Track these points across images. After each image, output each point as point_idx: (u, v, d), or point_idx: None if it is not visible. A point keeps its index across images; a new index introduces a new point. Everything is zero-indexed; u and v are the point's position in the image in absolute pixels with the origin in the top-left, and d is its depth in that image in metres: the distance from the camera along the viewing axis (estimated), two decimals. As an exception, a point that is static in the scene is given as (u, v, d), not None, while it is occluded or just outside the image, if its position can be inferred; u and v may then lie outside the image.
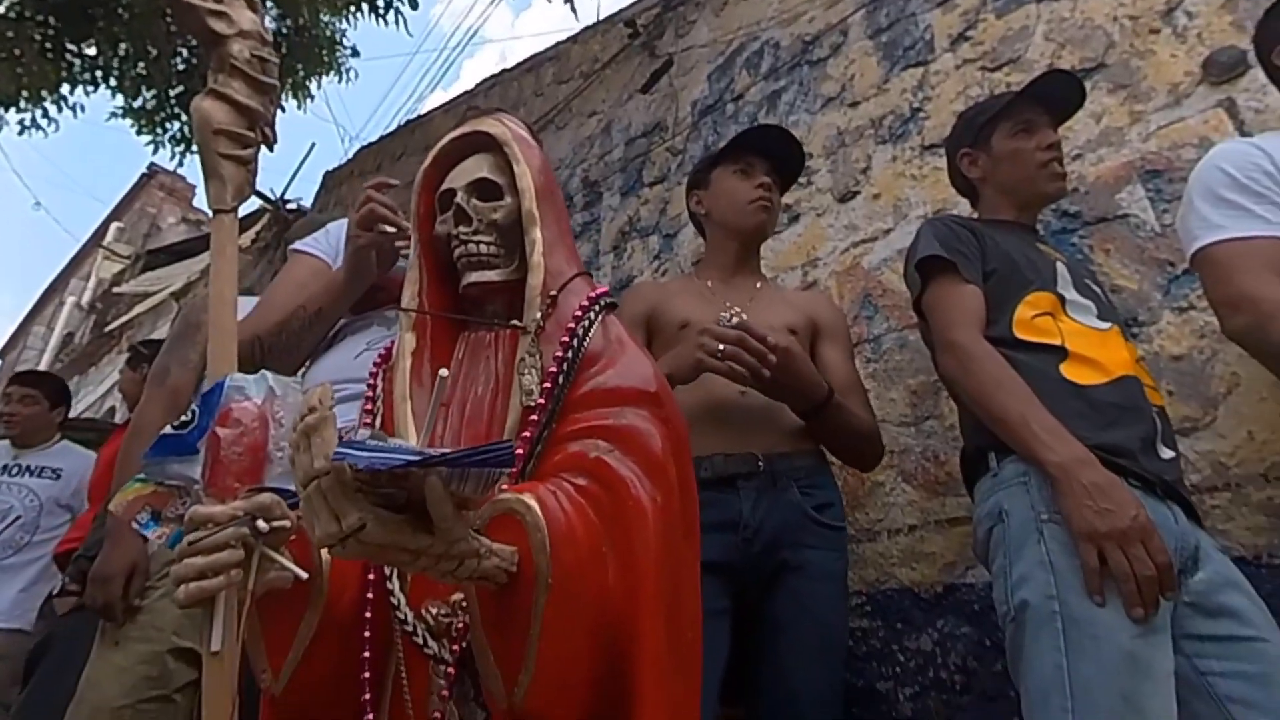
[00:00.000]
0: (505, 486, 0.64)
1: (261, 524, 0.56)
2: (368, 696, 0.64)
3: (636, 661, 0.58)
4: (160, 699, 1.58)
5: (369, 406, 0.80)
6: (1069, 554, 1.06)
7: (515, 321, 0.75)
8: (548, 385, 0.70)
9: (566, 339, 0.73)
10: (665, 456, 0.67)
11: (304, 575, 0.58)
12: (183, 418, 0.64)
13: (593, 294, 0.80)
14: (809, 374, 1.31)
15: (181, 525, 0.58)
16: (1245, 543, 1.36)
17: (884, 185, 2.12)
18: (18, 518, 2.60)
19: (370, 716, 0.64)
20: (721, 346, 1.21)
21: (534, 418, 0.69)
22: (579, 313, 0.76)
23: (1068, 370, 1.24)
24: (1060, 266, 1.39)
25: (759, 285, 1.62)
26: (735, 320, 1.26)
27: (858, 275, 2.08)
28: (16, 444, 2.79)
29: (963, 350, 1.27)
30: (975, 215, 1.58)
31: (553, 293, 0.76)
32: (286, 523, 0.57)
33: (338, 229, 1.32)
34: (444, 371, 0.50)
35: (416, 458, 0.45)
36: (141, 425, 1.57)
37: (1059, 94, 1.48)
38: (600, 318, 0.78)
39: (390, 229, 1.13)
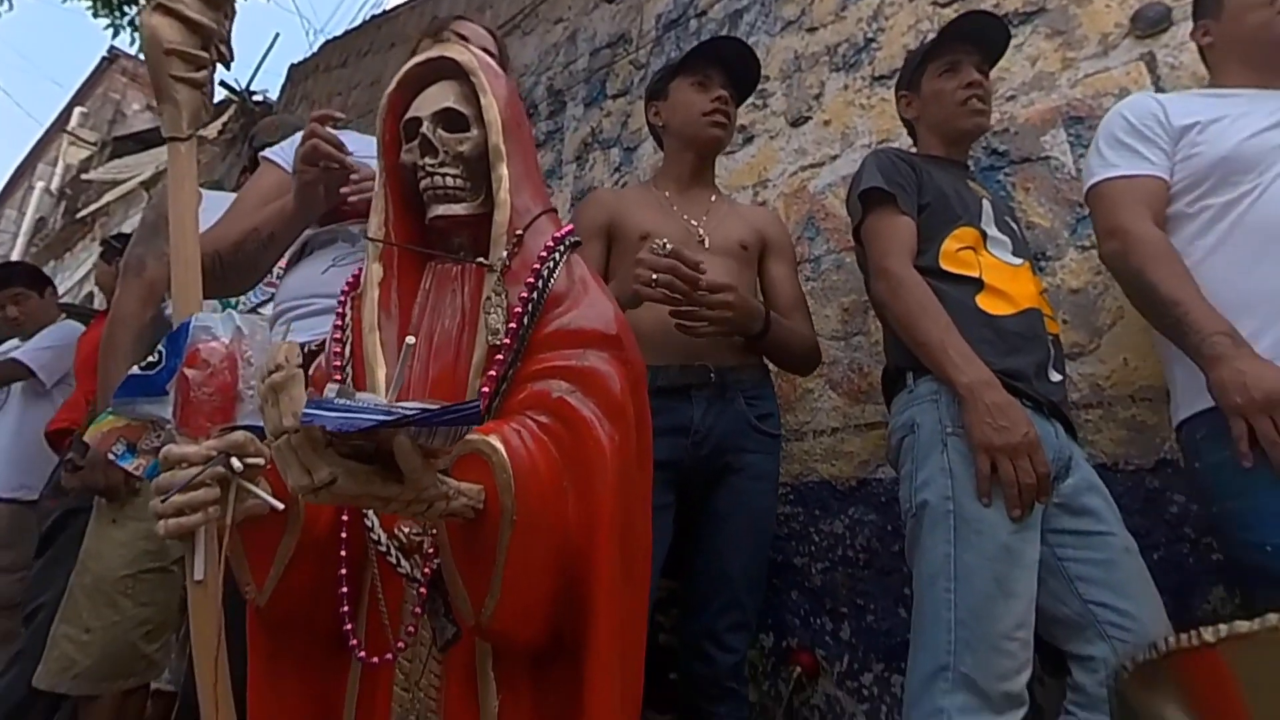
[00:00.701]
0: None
1: (236, 463, 0.54)
2: (346, 609, 0.64)
3: (592, 586, 0.59)
4: (159, 570, 1.61)
5: (338, 335, 0.77)
6: (966, 463, 1.13)
7: (481, 260, 0.72)
8: (513, 325, 0.68)
9: (532, 280, 0.70)
10: (624, 397, 0.66)
11: (280, 506, 0.57)
12: (150, 358, 0.59)
13: (558, 234, 0.77)
14: (745, 316, 1.32)
15: (157, 458, 0.56)
16: (1108, 452, 1.47)
17: (834, 112, 2.07)
18: None
19: (350, 627, 0.63)
20: (655, 275, 1.19)
21: (499, 356, 0.67)
22: (544, 253, 0.73)
23: (982, 301, 1.28)
24: (986, 204, 1.42)
25: (714, 198, 1.58)
26: (669, 249, 1.22)
27: (804, 198, 2.07)
28: (27, 339, 2.67)
29: (894, 277, 1.30)
30: (915, 151, 1.58)
31: (519, 231, 0.73)
32: (260, 460, 0.55)
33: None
34: (410, 339, 0.48)
35: (385, 418, 0.42)
36: (120, 315, 1.52)
37: (983, 34, 1.45)
38: (565, 258, 0.75)
39: (334, 165, 1.05)
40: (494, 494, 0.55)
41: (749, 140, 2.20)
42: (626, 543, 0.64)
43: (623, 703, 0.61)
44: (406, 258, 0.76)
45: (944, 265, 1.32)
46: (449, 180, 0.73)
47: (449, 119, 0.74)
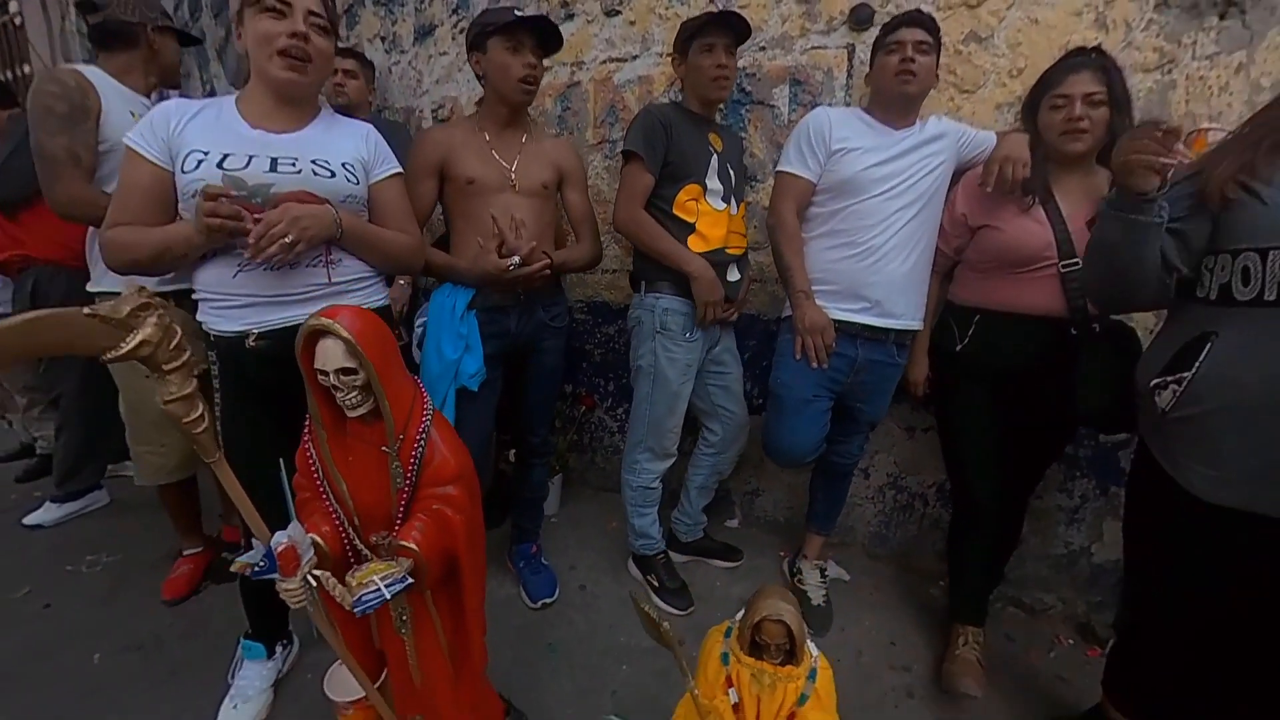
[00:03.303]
0: (401, 529, 0.87)
1: (310, 578, 0.80)
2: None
3: (460, 561, 0.90)
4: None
5: (311, 466, 0.92)
6: (663, 348, 1.60)
7: (385, 449, 0.88)
8: (408, 480, 0.88)
9: (414, 456, 0.87)
10: (464, 497, 0.91)
11: (329, 588, 0.81)
12: (261, 563, 0.78)
13: (423, 418, 0.89)
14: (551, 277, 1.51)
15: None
16: (756, 310, 1.99)
17: (639, 14, 1.96)
18: None
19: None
20: (510, 266, 1.36)
21: (404, 491, 0.88)
22: (419, 436, 0.88)
23: (690, 241, 1.56)
24: (714, 158, 1.58)
25: (524, 139, 1.53)
26: (515, 266, 1.37)
27: (609, 88, 2.05)
28: None
29: (629, 217, 1.55)
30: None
31: (400, 432, 0.87)
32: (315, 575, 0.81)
33: (161, 119, 1.07)
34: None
35: (386, 595, 0.75)
36: (88, 198, 1.41)
37: (736, 25, 1.49)
38: (427, 434, 0.89)
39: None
40: (418, 563, 0.83)
41: (570, 17, 2.02)
42: (473, 547, 0.93)
43: (475, 590, 0.97)
44: (338, 423, 0.91)
45: (675, 211, 1.55)
46: (352, 398, 0.83)
47: (344, 369, 0.82)
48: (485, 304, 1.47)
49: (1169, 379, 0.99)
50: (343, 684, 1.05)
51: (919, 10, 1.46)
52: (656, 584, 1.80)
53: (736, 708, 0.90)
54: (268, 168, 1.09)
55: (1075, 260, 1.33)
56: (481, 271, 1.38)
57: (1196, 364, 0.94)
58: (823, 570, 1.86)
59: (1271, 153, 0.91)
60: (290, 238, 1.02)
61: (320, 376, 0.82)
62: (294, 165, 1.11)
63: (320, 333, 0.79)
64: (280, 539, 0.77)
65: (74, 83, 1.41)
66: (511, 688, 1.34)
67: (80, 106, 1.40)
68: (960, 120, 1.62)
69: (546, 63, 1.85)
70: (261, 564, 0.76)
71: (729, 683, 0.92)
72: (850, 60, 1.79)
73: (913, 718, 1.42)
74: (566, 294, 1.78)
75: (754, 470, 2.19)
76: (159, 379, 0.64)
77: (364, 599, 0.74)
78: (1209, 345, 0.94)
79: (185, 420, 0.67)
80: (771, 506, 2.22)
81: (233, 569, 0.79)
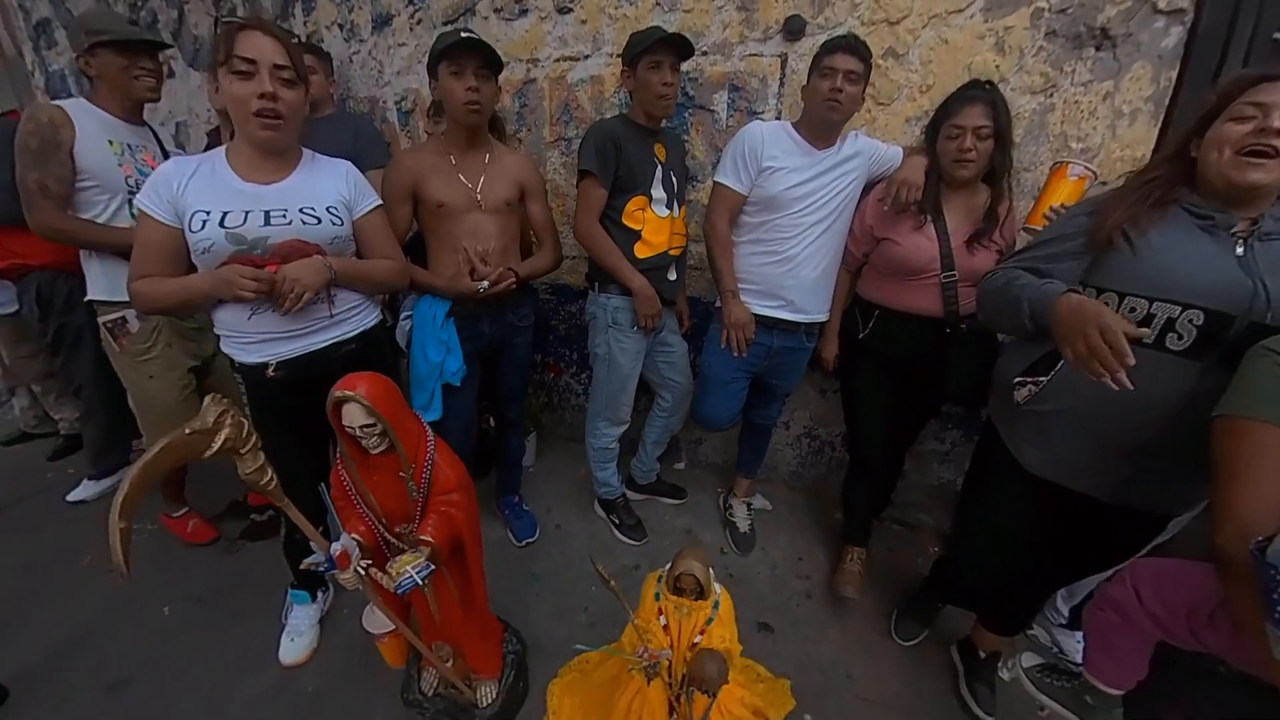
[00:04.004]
0: (417, 524, 1.10)
1: (360, 570, 1.03)
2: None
3: (465, 542, 1.15)
4: (193, 391, 1.77)
5: (346, 485, 1.11)
6: (616, 341, 1.76)
7: (402, 474, 1.07)
8: (419, 493, 1.08)
9: (424, 477, 1.08)
10: (463, 498, 1.13)
11: (363, 573, 1.03)
12: (324, 564, 1.01)
13: (428, 448, 1.09)
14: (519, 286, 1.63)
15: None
16: (697, 293, 2.16)
17: (590, 13, 1.95)
18: None
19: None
20: (482, 289, 1.52)
21: (418, 500, 1.09)
22: (427, 462, 1.09)
23: (637, 247, 1.67)
24: (659, 170, 1.65)
25: (487, 159, 1.57)
26: (484, 289, 1.52)
27: (563, 86, 2.07)
28: None
29: (586, 231, 1.65)
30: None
31: (412, 462, 1.06)
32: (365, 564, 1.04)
33: (164, 181, 1.15)
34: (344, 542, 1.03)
35: (418, 580, 0.99)
36: (69, 229, 1.53)
37: (682, 45, 1.53)
38: (432, 459, 1.09)
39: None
40: (434, 549, 1.04)
41: (524, 13, 1.99)
42: (472, 528, 1.18)
43: (476, 556, 1.23)
44: (363, 456, 1.09)
45: (624, 220, 1.65)
46: (373, 442, 1.02)
47: (365, 425, 0.99)
48: (461, 313, 1.62)
49: (1028, 380, 1.16)
50: (377, 620, 1.29)
51: (856, 37, 1.50)
52: (617, 522, 2.13)
53: (665, 628, 1.23)
54: (263, 222, 1.19)
55: (953, 273, 1.54)
56: (457, 291, 1.54)
57: (1051, 373, 1.11)
58: (749, 504, 2.23)
59: (1153, 209, 1.02)
60: (295, 292, 1.18)
61: (348, 428, 1.02)
62: (285, 217, 1.21)
63: (344, 399, 0.99)
64: (337, 547, 1.01)
65: (47, 119, 1.44)
66: (506, 612, 1.66)
67: (51, 141, 1.45)
68: (875, 131, 1.76)
69: (503, 58, 1.88)
70: (326, 564, 1.01)
71: (660, 612, 1.24)
72: (783, 69, 1.86)
73: (809, 614, 1.82)
74: (535, 288, 1.92)
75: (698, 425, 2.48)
76: (238, 459, 0.85)
77: (402, 584, 1.00)
78: (1062, 362, 1.08)
79: (260, 483, 0.88)
80: (711, 452, 2.55)
81: (302, 567, 1.02)
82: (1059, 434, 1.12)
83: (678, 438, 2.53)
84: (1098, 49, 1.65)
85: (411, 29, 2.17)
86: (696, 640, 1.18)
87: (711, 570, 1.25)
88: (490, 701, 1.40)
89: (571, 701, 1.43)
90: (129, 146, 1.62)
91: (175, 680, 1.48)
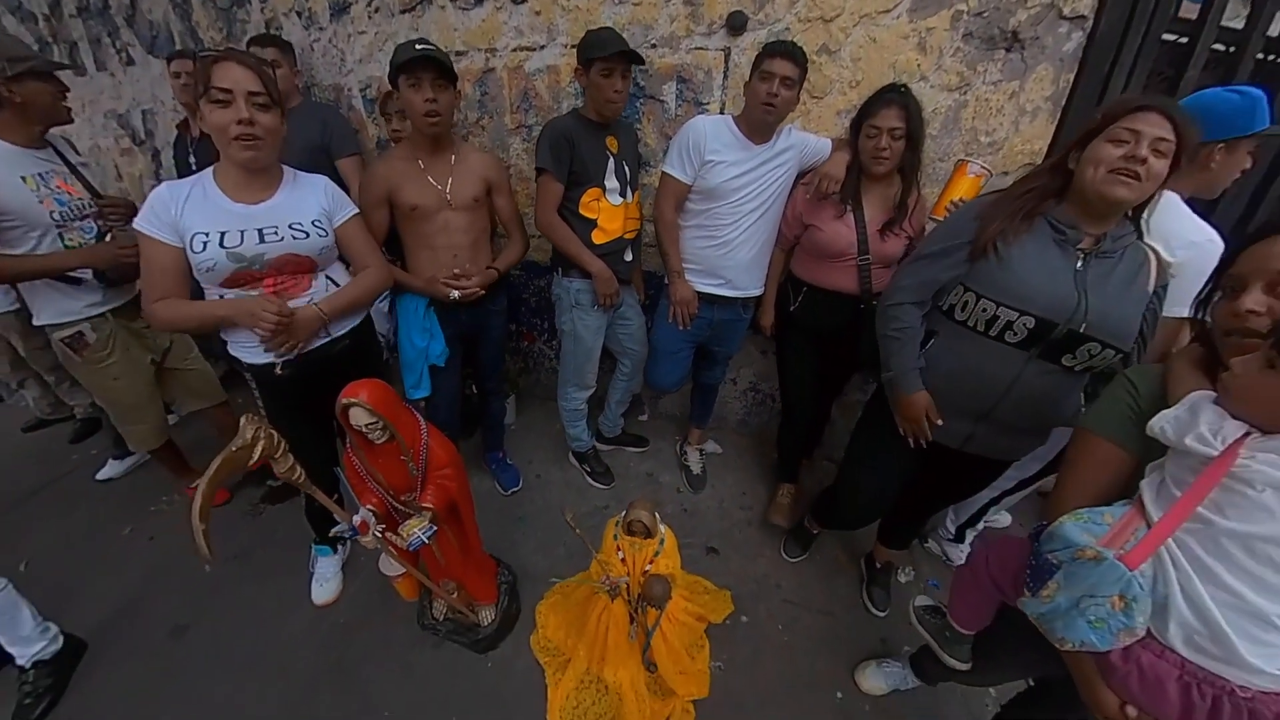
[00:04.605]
0: (419, 494, 1.28)
1: (377, 536, 1.23)
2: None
3: (458, 502, 1.35)
4: (151, 385, 1.85)
5: (357, 468, 1.28)
6: (577, 319, 1.91)
7: (404, 458, 1.24)
8: (418, 470, 1.25)
9: (421, 459, 1.25)
10: (454, 470, 1.32)
11: (379, 538, 1.24)
12: (346, 531, 1.24)
13: (423, 436, 1.26)
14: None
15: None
16: (652, 268, 2.23)
17: (544, 4, 1.93)
18: None
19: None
20: (453, 297, 1.65)
21: (418, 477, 1.25)
22: (422, 448, 1.26)
23: (594, 234, 1.77)
24: (611, 161, 1.70)
25: (453, 158, 1.62)
26: (456, 296, 1.65)
27: (521, 75, 2.07)
28: None
29: (546, 222, 1.74)
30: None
31: (411, 446, 1.24)
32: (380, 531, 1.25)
33: (161, 205, 1.21)
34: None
35: (425, 539, 1.20)
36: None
37: (633, 56, 1.58)
38: (426, 445, 1.27)
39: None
40: (435, 513, 1.24)
41: (480, 2, 1.95)
42: (464, 492, 1.38)
43: (470, 513, 1.45)
44: (370, 445, 1.24)
45: (581, 211, 1.73)
46: (376, 435, 1.16)
47: (369, 423, 1.15)
48: (441, 304, 1.75)
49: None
50: (390, 565, 1.50)
51: (795, 44, 1.54)
52: (589, 470, 2.40)
53: (623, 561, 1.50)
54: (258, 240, 1.28)
55: (868, 256, 1.71)
56: (431, 293, 1.67)
57: (926, 348, 1.29)
58: (702, 450, 2.51)
59: (1021, 222, 1.12)
60: (292, 342, 1.34)
61: (355, 426, 1.20)
62: (276, 233, 1.30)
63: (350, 405, 1.17)
64: (357, 518, 1.22)
65: None
66: (498, 550, 1.93)
67: None
68: (809, 122, 1.85)
69: (462, 47, 1.91)
70: (350, 532, 1.22)
71: (618, 548, 1.51)
72: (727, 62, 1.90)
73: (749, 538, 2.15)
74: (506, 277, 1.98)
75: (659, 381, 2.70)
76: (274, 462, 1.03)
77: (412, 543, 1.22)
78: (933, 339, 1.28)
79: (293, 479, 1.08)
80: (670, 405, 2.81)
81: (331, 535, 1.24)
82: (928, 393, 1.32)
83: (640, 394, 2.77)
84: (1008, 50, 1.74)
85: (370, 16, 2.11)
86: (647, 569, 1.46)
87: (659, 515, 1.51)
88: (490, 621, 1.69)
89: (555, 618, 1.73)
90: (40, 177, 1.57)
91: (226, 624, 1.72)
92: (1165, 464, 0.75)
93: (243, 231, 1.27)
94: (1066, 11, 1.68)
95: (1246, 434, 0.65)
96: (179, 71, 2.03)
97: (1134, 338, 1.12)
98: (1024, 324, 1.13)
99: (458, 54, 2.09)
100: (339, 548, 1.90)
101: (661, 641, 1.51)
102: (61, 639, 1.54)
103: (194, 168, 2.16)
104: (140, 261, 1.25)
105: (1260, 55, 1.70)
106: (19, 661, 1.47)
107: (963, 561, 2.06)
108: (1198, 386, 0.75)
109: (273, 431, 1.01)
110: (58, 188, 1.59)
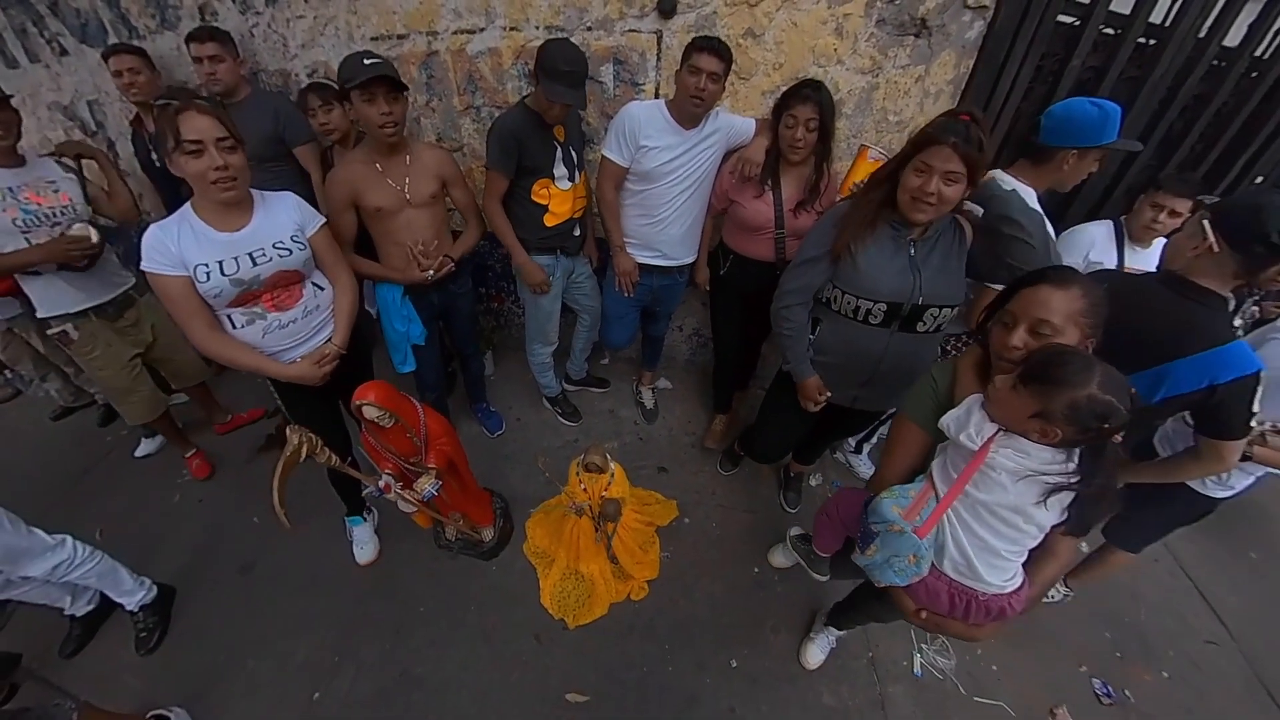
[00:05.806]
0: (424, 458, 1.56)
1: (408, 500, 1.61)
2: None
3: (457, 463, 1.68)
4: (137, 354, 1.99)
5: (373, 445, 1.54)
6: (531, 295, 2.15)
7: (409, 434, 1.50)
8: (421, 442, 1.51)
9: (421, 434, 1.50)
10: (448, 438, 1.58)
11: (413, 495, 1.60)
12: (373, 493, 1.52)
13: (421, 417, 1.50)
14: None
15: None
16: (600, 236, 2.33)
17: None
18: None
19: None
20: (430, 277, 1.78)
21: (420, 447, 1.50)
22: (416, 423, 1.49)
23: (545, 218, 1.87)
24: (559, 150, 1.78)
25: (408, 160, 1.65)
26: (432, 275, 1.77)
27: (464, 59, 2.04)
28: None
29: (488, 209, 1.84)
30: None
31: (413, 426, 1.48)
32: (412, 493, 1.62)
33: (159, 243, 1.27)
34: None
35: (433, 490, 1.53)
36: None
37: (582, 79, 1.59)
38: (424, 423, 1.50)
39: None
40: (438, 470, 1.55)
41: None
42: (457, 451, 1.67)
43: (464, 465, 1.81)
44: (380, 429, 1.50)
45: (532, 198, 1.82)
46: (386, 423, 1.40)
47: (379, 416, 1.39)
48: (414, 291, 1.90)
49: (811, 336, 1.52)
50: (407, 505, 1.84)
51: (720, 40, 1.57)
52: (560, 411, 2.72)
53: (585, 490, 1.86)
54: (251, 264, 1.38)
55: (783, 230, 1.89)
56: (409, 280, 1.82)
57: (815, 333, 1.50)
58: (654, 388, 2.85)
59: (868, 228, 1.29)
60: (324, 370, 1.52)
61: (368, 419, 1.47)
62: (265, 255, 1.39)
63: (363, 405, 1.42)
64: (381, 481, 1.53)
65: None
66: (490, 483, 2.28)
67: None
68: (736, 103, 1.94)
69: (403, 30, 1.89)
70: (376, 493, 1.53)
71: (580, 482, 1.86)
72: (660, 45, 1.94)
73: (692, 459, 2.56)
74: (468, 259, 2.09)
75: (617, 329, 2.95)
76: (315, 457, 1.30)
77: (425, 495, 1.55)
78: (820, 325, 1.48)
79: (332, 465, 1.36)
80: (627, 350, 3.09)
81: (363, 494, 1.55)
82: (821, 369, 1.56)
83: (599, 342, 3.02)
84: (916, 37, 1.83)
85: (306, 0, 2.02)
86: (604, 494, 1.83)
87: (609, 455, 1.85)
88: (491, 538, 2.08)
89: (540, 531, 2.13)
90: (10, 190, 1.63)
91: (283, 561, 2.03)
92: (947, 449, 0.96)
93: (236, 258, 1.36)
94: (970, 2, 1.75)
95: (998, 431, 0.87)
96: (119, 70, 1.94)
97: (963, 295, 1.33)
98: (879, 309, 1.36)
99: (399, 37, 2.05)
100: (366, 516, 2.08)
101: (619, 543, 1.93)
102: (155, 588, 1.83)
103: (156, 163, 2.14)
104: (162, 300, 1.32)
105: (1140, 40, 1.81)
106: (128, 608, 1.74)
107: (864, 468, 2.52)
108: (974, 390, 0.96)
109: (311, 435, 1.27)
110: (26, 200, 1.66)
